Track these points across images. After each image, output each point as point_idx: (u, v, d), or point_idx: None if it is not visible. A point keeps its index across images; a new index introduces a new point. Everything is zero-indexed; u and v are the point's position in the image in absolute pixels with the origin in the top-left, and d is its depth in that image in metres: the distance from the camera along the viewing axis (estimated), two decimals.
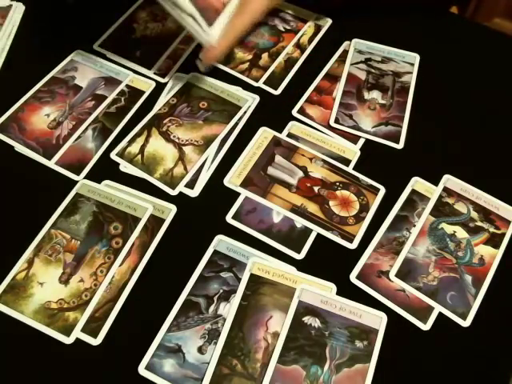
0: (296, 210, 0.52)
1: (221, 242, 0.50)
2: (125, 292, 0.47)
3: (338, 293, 0.48)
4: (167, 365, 0.44)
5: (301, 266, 0.49)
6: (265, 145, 0.56)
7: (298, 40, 0.65)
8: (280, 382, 0.44)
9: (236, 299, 0.47)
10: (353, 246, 0.51)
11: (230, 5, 0.54)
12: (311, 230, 0.51)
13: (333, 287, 0.48)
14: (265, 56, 0.63)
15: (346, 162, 0.56)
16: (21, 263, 0.48)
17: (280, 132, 0.58)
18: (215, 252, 0.50)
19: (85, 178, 0.53)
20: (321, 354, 0.45)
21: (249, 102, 0.59)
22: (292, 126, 0.58)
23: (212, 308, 0.47)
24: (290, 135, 0.58)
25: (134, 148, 0.55)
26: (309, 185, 0.54)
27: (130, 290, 0.47)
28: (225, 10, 0.54)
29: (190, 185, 0.54)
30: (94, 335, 0.45)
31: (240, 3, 0.56)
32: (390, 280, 0.49)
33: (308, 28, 0.66)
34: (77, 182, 0.53)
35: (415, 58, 0.64)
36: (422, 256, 0.50)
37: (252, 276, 0.48)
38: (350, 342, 0.45)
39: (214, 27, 0.53)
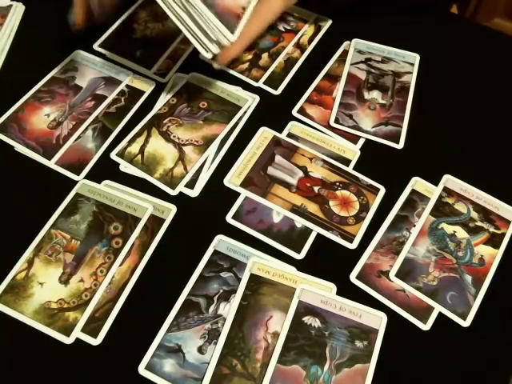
0: (296, 209, 0.52)
1: (221, 242, 0.50)
2: (125, 292, 0.47)
3: (338, 293, 0.48)
4: (167, 365, 0.44)
5: (301, 265, 0.49)
6: (265, 145, 0.56)
7: (298, 40, 0.65)
8: (280, 382, 0.44)
9: (236, 299, 0.47)
10: (353, 246, 0.51)
11: (249, 8, 0.53)
12: (311, 230, 0.51)
13: (333, 287, 0.48)
14: (265, 56, 0.63)
15: (346, 161, 0.56)
16: (21, 263, 0.48)
17: (280, 132, 0.58)
18: (215, 252, 0.50)
19: (85, 178, 0.53)
20: (321, 354, 0.45)
21: (249, 101, 0.59)
22: (292, 126, 0.58)
23: (212, 308, 0.47)
24: (289, 135, 0.58)
25: (134, 148, 0.55)
26: (309, 185, 0.54)
27: (129, 290, 0.47)
28: (245, 14, 0.53)
29: (190, 185, 0.54)
30: (94, 335, 0.45)
31: (257, 3, 0.55)
32: (390, 280, 0.49)
33: (308, 28, 0.66)
34: (77, 181, 0.53)
35: (415, 58, 0.64)
36: (422, 256, 0.50)
37: (252, 276, 0.48)
38: (349, 342, 0.45)
39: (236, 33, 0.52)
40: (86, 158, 0.55)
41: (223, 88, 0.60)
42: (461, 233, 0.52)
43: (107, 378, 0.45)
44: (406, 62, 0.64)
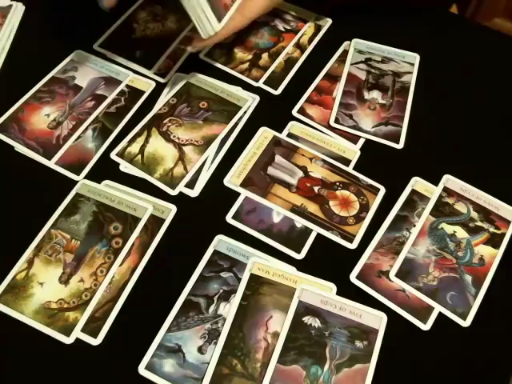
0: (296, 209, 0.52)
1: (221, 242, 0.50)
2: (125, 292, 0.47)
3: (338, 293, 0.48)
4: (167, 365, 0.44)
5: (301, 266, 0.49)
6: (265, 145, 0.56)
7: (298, 40, 0.65)
8: (280, 382, 0.44)
9: (236, 299, 0.47)
10: (353, 246, 0.51)
11: (237, 1, 0.54)
12: (311, 230, 0.51)
13: (333, 287, 0.48)
14: (265, 56, 0.63)
15: (346, 161, 0.56)
16: (21, 263, 0.48)
17: (280, 132, 0.58)
18: (215, 252, 0.50)
19: (85, 178, 0.53)
20: (321, 353, 0.45)
21: (249, 101, 0.59)
22: (292, 126, 0.58)
23: (212, 308, 0.47)
24: (289, 135, 0.58)
25: (134, 148, 0.55)
26: (309, 185, 0.54)
27: (129, 290, 0.47)
28: (233, 6, 0.54)
29: (190, 185, 0.54)
30: (94, 335, 0.45)
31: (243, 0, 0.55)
32: (390, 280, 0.49)
33: (308, 28, 0.66)
34: (77, 182, 0.53)
35: (415, 58, 0.64)
36: (422, 256, 0.50)
37: (252, 276, 0.48)
38: (350, 342, 0.45)
39: (221, 23, 0.53)
40: (85, 158, 0.55)
41: (223, 88, 0.60)
42: (461, 233, 0.52)
43: (107, 378, 0.45)
44: (406, 62, 0.64)
